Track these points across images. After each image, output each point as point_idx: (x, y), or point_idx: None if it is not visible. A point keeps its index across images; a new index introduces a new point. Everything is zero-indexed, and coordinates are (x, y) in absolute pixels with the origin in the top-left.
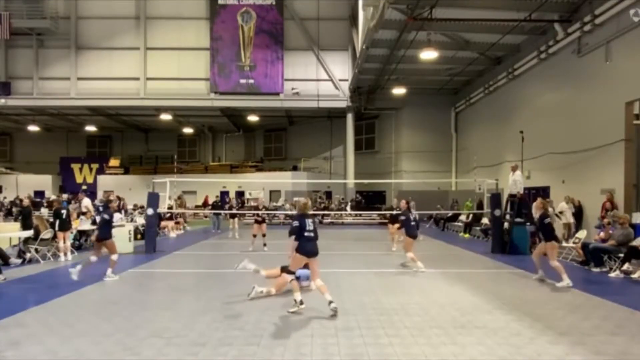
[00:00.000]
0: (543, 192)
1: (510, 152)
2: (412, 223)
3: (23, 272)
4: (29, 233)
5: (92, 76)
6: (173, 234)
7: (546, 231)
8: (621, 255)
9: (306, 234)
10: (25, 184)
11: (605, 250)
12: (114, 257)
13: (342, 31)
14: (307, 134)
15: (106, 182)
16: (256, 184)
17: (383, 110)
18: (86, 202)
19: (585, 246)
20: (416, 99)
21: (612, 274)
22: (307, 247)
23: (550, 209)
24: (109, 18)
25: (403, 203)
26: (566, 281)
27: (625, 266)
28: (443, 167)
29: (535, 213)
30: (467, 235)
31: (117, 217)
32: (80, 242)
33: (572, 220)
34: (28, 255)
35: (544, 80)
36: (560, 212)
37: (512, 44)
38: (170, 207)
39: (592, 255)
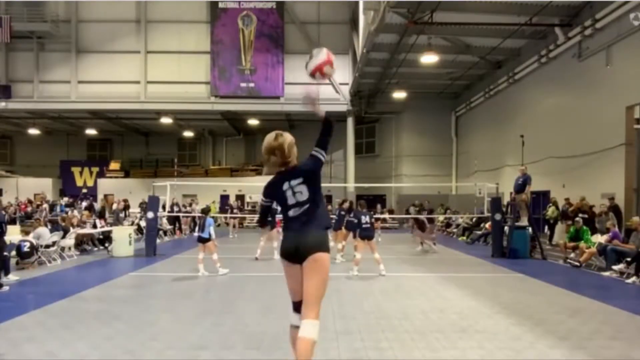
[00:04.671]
0: (543, 197)
1: (510, 156)
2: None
3: (23, 275)
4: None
5: (92, 79)
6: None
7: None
8: (628, 259)
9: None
10: (26, 187)
11: (624, 253)
12: None
13: (343, 35)
14: (307, 138)
15: (106, 186)
16: (257, 187)
17: (383, 114)
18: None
19: (603, 249)
20: (417, 103)
21: (629, 280)
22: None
23: None
24: (110, 21)
25: None
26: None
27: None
28: (443, 171)
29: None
30: (467, 239)
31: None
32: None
33: None
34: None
35: (545, 85)
36: None
37: (513, 48)
38: (170, 211)
39: (608, 257)
